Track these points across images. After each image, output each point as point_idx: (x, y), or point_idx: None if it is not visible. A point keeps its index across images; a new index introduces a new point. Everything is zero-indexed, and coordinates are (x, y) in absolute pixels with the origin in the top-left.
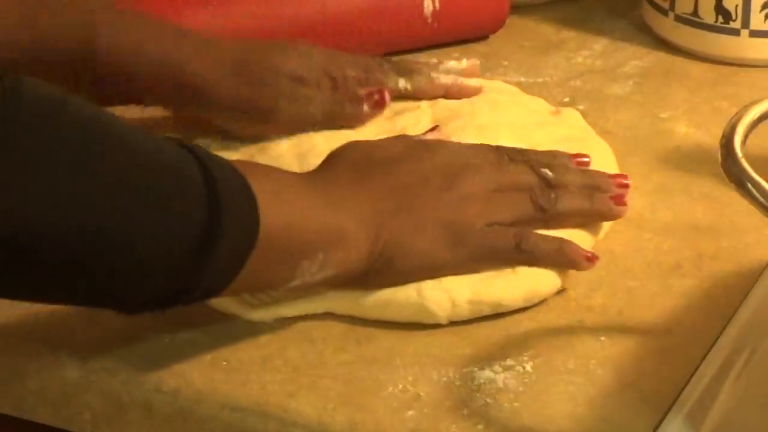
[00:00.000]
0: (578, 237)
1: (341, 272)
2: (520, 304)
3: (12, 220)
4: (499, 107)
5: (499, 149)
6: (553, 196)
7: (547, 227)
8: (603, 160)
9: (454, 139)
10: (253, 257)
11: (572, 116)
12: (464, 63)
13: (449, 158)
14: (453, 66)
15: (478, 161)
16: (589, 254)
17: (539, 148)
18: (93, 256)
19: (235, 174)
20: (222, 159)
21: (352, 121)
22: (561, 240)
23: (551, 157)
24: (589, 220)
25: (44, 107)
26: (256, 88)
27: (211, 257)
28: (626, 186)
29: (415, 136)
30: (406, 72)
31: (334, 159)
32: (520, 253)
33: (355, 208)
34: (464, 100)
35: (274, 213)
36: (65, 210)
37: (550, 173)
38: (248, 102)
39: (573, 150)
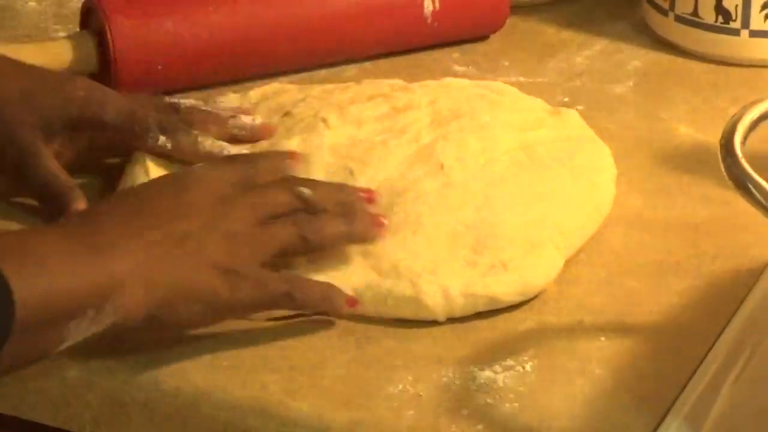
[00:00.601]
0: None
1: (119, 320)
2: (516, 298)
3: None
4: (498, 107)
5: (255, 167)
6: (317, 224)
7: (309, 253)
8: (601, 160)
9: (454, 138)
10: (11, 345)
11: (571, 117)
12: (257, 121)
13: (207, 191)
14: (245, 123)
15: (233, 192)
16: (350, 298)
17: (539, 148)
18: None
19: None
20: None
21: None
22: (327, 285)
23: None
24: (345, 243)
25: None
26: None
27: None
28: (374, 200)
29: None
30: (170, 130)
31: (95, 206)
32: (292, 300)
33: (127, 250)
34: (464, 100)
35: (30, 290)
36: None
37: (306, 192)
38: None
39: (571, 149)
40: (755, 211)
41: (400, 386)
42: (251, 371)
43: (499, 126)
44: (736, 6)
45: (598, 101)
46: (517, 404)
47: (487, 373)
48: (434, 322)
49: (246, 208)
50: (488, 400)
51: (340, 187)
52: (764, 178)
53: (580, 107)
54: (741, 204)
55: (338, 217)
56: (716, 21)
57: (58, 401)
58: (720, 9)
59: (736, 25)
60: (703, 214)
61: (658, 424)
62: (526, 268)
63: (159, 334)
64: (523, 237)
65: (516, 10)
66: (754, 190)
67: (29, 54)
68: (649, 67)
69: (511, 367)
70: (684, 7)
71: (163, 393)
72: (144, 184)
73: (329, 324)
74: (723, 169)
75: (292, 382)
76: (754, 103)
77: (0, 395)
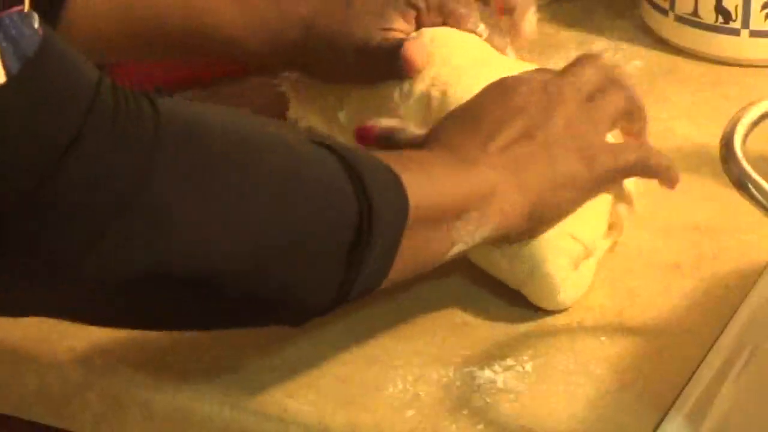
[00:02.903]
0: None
1: (501, 226)
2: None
3: (197, 258)
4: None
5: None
6: (631, 90)
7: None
8: None
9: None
10: (407, 239)
11: None
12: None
13: (528, 89)
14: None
15: (551, 82)
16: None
17: None
18: (264, 281)
19: (376, 164)
20: (359, 151)
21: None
22: (666, 157)
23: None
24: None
25: (191, 129)
26: None
27: (365, 259)
28: None
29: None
30: (491, 25)
31: (434, 132)
32: (647, 167)
33: (489, 159)
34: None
35: (420, 188)
36: (240, 239)
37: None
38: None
39: None
40: (755, 211)
41: (400, 386)
42: (251, 371)
43: None
44: (736, 6)
45: None
46: (517, 404)
47: (487, 373)
48: (434, 322)
49: (571, 89)
50: (488, 400)
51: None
52: (764, 178)
53: None
54: (741, 204)
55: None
56: (716, 21)
57: (58, 401)
58: (720, 9)
59: (736, 25)
60: (703, 214)
61: (658, 424)
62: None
63: (539, 230)
64: None
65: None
66: (754, 190)
67: None
68: (649, 67)
69: (511, 367)
70: (684, 7)
71: (163, 393)
72: (468, 103)
73: (329, 324)
74: (723, 169)
75: (292, 382)
76: (754, 103)
77: (0, 395)
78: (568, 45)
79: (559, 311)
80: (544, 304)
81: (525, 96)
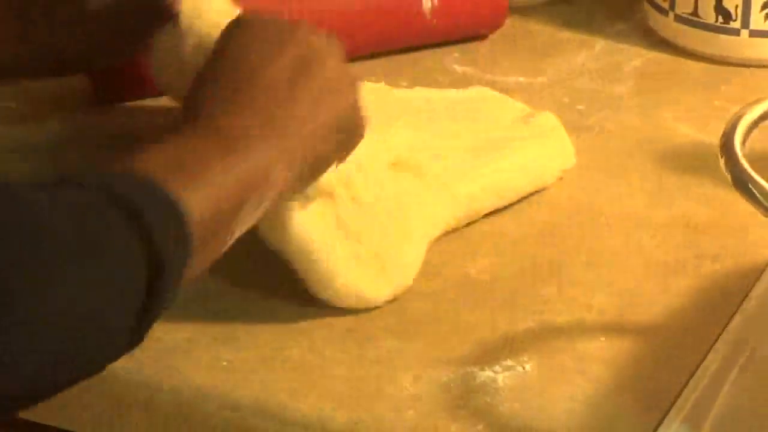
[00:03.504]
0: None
1: (275, 201)
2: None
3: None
4: (465, 118)
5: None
6: None
7: None
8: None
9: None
10: (193, 258)
11: (545, 121)
12: None
13: (291, 48)
14: None
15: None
16: None
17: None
18: (52, 373)
19: (156, 196)
20: (135, 182)
21: None
22: None
23: None
24: None
25: None
26: None
27: (156, 310)
28: None
29: None
30: None
31: (193, 94)
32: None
33: (257, 134)
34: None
35: (200, 205)
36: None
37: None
38: None
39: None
40: (755, 211)
41: (400, 386)
42: (251, 371)
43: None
44: (736, 6)
45: (598, 101)
46: (517, 404)
47: (487, 373)
48: (434, 322)
49: (331, 56)
50: (488, 400)
51: None
52: (764, 178)
53: (580, 107)
54: (741, 204)
55: None
56: (716, 21)
57: (58, 401)
58: (720, 9)
59: (736, 25)
60: (703, 214)
61: (658, 424)
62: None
63: (307, 185)
64: None
65: (516, 10)
66: (754, 190)
67: None
68: (649, 67)
69: (511, 367)
70: (684, 7)
71: (163, 393)
72: (233, 59)
73: (329, 324)
74: (723, 169)
75: (292, 382)
76: (754, 103)
77: None
78: (568, 45)
79: (559, 311)
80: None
81: (286, 58)
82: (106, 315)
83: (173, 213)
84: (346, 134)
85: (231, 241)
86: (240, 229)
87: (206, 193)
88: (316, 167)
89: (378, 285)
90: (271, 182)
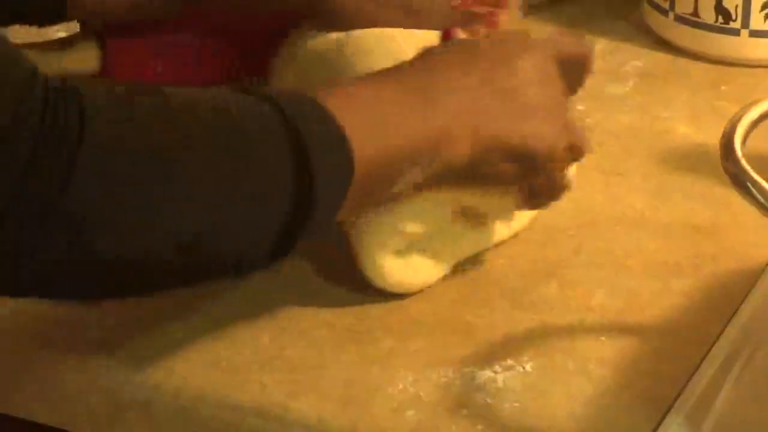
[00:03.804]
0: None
1: (442, 168)
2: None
3: (127, 247)
4: None
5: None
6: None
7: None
8: None
9: None
10: (351, 194)
11: None
12: None
13: (535, 62)
14: None
15: (554, 69)
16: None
17: None
18: (219, 248)
19: (320, 117)
20: (302, 100)
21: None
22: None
23: None
24: None
25: (116, 130)
26: None
27: (306, 224)
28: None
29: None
30: None
31: (433, 52)
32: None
33: (457, 104)
34: None
35: (367, 143)
36: (170, 229)
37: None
38: None
39: None
40: (755, 211)
41: (400, 386)
42: (251, 371)
43: None
44: (736, 6)
45: (598, 101)
46: (517, 404)
47: (487, 373)
48: (434, 322)
49: (562, 84)
50: (488, 400)
51: None
52: (764, 178)
53: (580, 107)
54: (741, 204)
55: None
56: (716, 21)
57: (58, 401)
58: (720, 9)
59: (736, 25)
60: (703, 214)
61: (658, 424)
62: None
63: (469, 183)
64: None
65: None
66: (754, 190)
67: (30, 56)
68: (649, 67)
69: (511, 367)
70: (684, 7)
71: (163, 393)
72: (476, 41)
73: (329, 324)
74: (723, 169)
75: (292, 382)
76: (754, 103)
77: (0, 395)
78: None
79: (559, 311)
80: (369, 277)
81: (529, 65)
82: (255, 210)
83: (338, 144)
84: (524, 161)
85: (390, 192)
86: (403, 183)
87: (378, 134)
88: (486, 174)
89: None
90: (444, 153)
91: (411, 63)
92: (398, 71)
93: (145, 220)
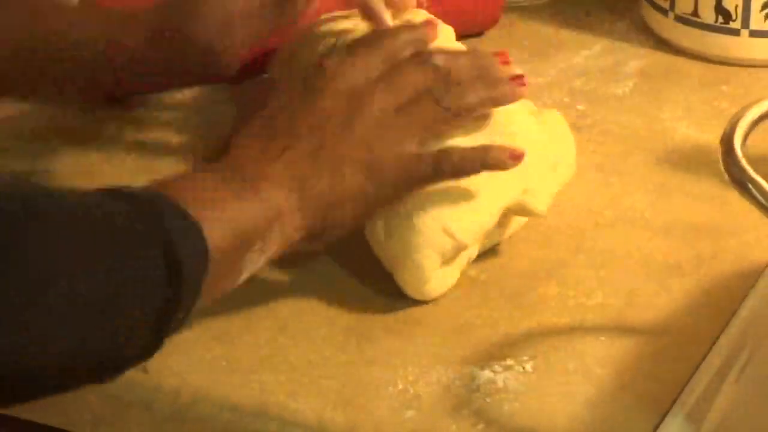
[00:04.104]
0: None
1: (281, 249)
2: None
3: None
4: None
5: (384, 51)
6: (456, 93)
7: (455, 123)
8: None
9: None
10: (205, 286)
11: (551, 118)
12: None
13: (338, 90)
14: None
15: (366, 82)
16: (516, 151)
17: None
18: (74, 365)
19: (176, 212)
20: (160, 198)
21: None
22: (482, 147)
23: (437, 48)
24: (489, 108)
25: None
26: None
27: (174, 317)
28: (509, 62)
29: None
30: None
31: (234, 140)
32: (442, 174)
33: (275, 179)
34: None
35: (217, 232)
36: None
37: (439, 61)
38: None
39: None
40: (755, 211)
41: (400, 386)
42: (251, 371)
43: None
44: (736, 6)
45: (598, 101)
46: (517, 404)
47: (487, 373)
48: (434, 322)
49: (381, 97)
50: (488, 400)
51: (474, 53)
52: (764, 178)
53: (580, 107)
54: (741, 204)
55: (477, 83)
56: (716, 21)
57: (58, 401)
58: (720, 9)
59: (736, 25)
60: (703, 214)
61: (658, 424)
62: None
63: (318, 244)
64: None
65: (515, 9)
66: (754, 190)
67: None
68: (649, 67)
69: (511, 367)
70: (684, 7)
71: (163, 393)
72: (274, 96)
73: (329, 324)
74: (723, 169)
75: (292, 382)
76: (754, 103)
77: None
78: (568, 45)
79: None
80: (410, 292)
81: (331, 101)
82: (127, 308)
83: (195, 230)
84: (363, 207)
85: (240, 280)
86: (247, 269)
87: (223, 225)
88: (330, 231)
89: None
90: (279, 229)
91: (226, 154)
92: (216, 166)
93: (16, 341)
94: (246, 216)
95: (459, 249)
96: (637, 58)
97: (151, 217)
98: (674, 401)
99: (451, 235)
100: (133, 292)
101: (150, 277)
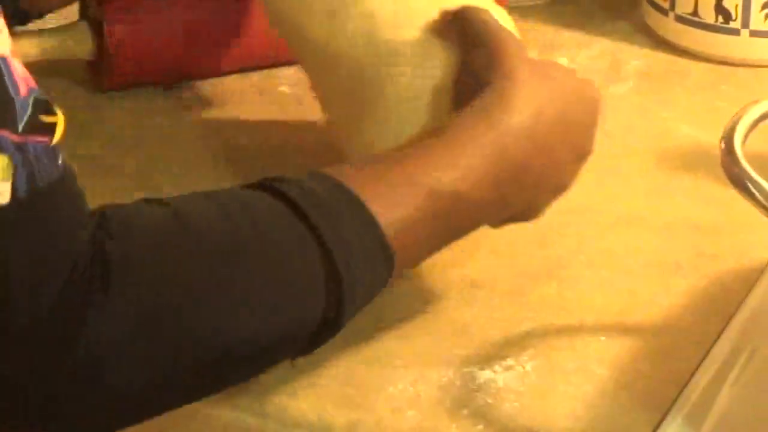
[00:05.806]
0: None
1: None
2: None
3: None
4: None
5: None
6: None
7: None
8: None
9: None
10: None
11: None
12: None
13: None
14: None
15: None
16: None
17: None
18: (249, 355)
19: (356, 229)
20: (337, 208)
21: None
22: None
23: None
24: None
25: (142, 271)
26: None
27: (328, 337)
28: None
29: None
30: None
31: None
32: None
33: (486, 210)
34: None
35: (403, 255)
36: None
37: None
38: None
39: None
40: (755, 211)
41: (400, 386)
42: None
43: None
44: (736, 6)
45: None
46: (517, 404)
47: (487, 373)
48: (434, 322)
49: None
50: (488, 400)
51: None
52: (764, 178)
53: None
54: (741, 204)
55: None
56: (716, 21)
57: None
58: (720, 9)
59: (736, 25)
60: (703, 214)
61: (658, 424)
62: None
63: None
64: None
65: (516, 10)
66: (754, 190)
67: (27, 43)
68: (649, 67)
69: (511, 367)
70: (684, 7)
71: None
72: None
73: None
74: (723, 169)
75: (292, 382)
76: (754, 103)
77: None
78: (568, 45)
79: (559, 311)
80: None
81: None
82: (284, 320)
83: (370, 230)
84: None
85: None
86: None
87: (412, 250)
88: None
89: None
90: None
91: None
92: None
93: (170, 354)
94: (440, 233)
95: None
96: (637, 58)
97: (322, 240)
98: (674, 401)
99: None
100: (294, 298)
101: (310, 289)
